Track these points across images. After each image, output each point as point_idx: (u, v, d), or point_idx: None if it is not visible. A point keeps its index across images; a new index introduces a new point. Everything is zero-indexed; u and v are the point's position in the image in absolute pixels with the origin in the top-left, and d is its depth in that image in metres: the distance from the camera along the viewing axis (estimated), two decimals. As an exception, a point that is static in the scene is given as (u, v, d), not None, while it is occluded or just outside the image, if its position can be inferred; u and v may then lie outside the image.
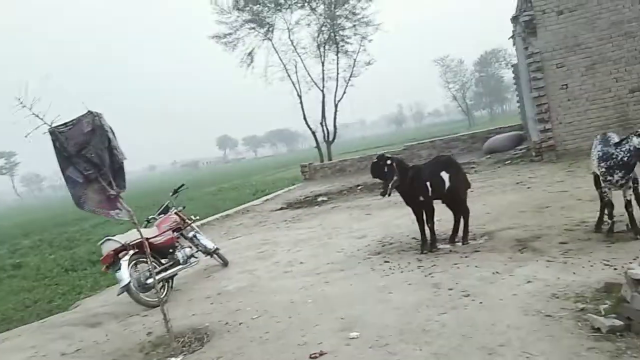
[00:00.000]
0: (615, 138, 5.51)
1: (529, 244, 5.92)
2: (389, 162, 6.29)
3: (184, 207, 7.69)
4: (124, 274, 5.90)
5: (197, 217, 7.78)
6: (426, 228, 6.39)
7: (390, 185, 6.26)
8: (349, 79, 24.58)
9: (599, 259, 4.92)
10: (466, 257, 5.80)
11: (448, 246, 6.46)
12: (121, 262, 5.96)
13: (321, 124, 24.39)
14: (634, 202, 5.43)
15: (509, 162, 13.28)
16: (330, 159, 22.60)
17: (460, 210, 6.59)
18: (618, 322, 3.45)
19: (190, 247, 7.14)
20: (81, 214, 28.40)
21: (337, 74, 24.32)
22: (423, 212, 6.37)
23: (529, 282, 4.66)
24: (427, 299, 4.58)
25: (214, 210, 15.93)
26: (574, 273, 4.69)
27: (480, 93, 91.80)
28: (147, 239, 6.39)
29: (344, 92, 24.55)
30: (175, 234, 7.16)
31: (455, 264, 5.57)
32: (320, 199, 13.41)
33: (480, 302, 4.34)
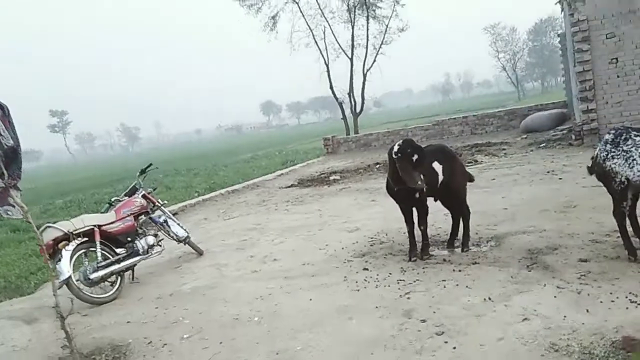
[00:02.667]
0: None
1: (542, 257, 4.81)
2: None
3: (154, 189, 6.93)
4: (64, 266, 5.18)
5: (166, 202, 6.97)
6: (417, 230, 5.34)
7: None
8: (380, 47, 23.03)
9: (625, 291, 3.79)
10: (460, 270, 4.75)
11: (445, 252, 5.42)
12: (62, 252, 5.25)
13: (349, 94, 23.06)
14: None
15: (544, 144, 11.83)
16: (357, 132, 21.37)
17: (458, 209, 5.50)
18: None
19: (155, 235, 6.36)
20: (121, 175, 29.07)
21: (367, 40, 22.83)
22: (412, 211, 5.32)
23: (525, 319, 3.60)
24: (390, 336, 3.59)
25: (242, 179, 15.41)
26: (587, 311, 3.59)
27: (533, 64, 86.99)
28: (99, 226, 5.72)
29: (374, 61, 23.07)
30: (142, 217, 6.41)
31: (443, 280, 4.54)
32: (332, 177, 12.42)
33: (454, 348, 3.33)
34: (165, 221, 6.64)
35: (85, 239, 5.54)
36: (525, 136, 14.02)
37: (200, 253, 6.82)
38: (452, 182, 5.34)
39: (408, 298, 4.23)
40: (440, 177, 5.28)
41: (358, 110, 22.85)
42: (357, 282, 4.78)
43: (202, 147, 66.07)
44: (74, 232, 5.40)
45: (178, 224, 6.80)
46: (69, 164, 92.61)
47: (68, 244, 5.32)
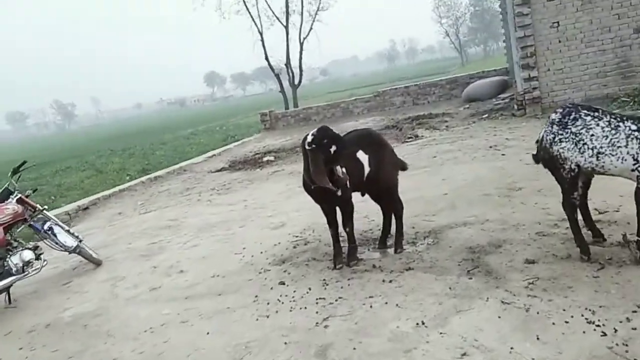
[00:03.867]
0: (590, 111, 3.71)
1: (484, 258, 4.14)
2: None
3: (34, 191, 5.83)
4: None
5: (46, 207, 5.87)
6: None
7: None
8: (316, 13, 21.88)
9: (580, 307, 3.15)
10: (390, 281, 4.01)
11: (377, 255, 4.67)
12: None
13: (286, 65, 21.83)
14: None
15: (486, 115, 11.29)
16: (296, 106, 20.31)
17: (389, 204, 4.75)
18: None
19: (35, 248, 5.29)
20: (50, 158, 26.95)
21: (302, 7, 21.63)
22: (336, 211, 4.51)
23: (464, 355, 2.89)
24: (295, 391, 2.81)
25: (179, 159, 14.44)
26: (537, 338, 2.92)
27: (475, 29, 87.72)
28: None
29: (311, 29, 21.92)
30: (19, 227, 5.33)
31: (370, 297, 3.78)
32: (266, 158, 11.48)
33: (374, 407, 2.59)
34: (50, 228, 5.56)
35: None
36: (467, 106, 13.49)
37: (97, 263, 5.81)
38: (381, 173, 4.55)
39: (325, 327, 3.44)
40: (367, 169, 4.48)
41: (297, 82, 21.69)
42: (269, 303, 3.95)
43: (142, 123, 63.04)
44: None
45: (67, 231, 5.75)
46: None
47: None
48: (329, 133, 4.05)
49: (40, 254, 5.32)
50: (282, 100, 22.53)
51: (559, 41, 9.68)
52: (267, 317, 3.73)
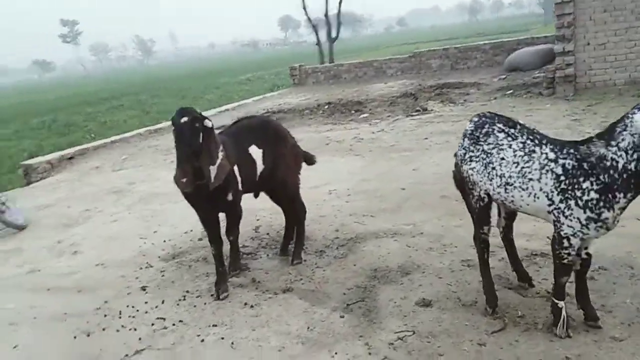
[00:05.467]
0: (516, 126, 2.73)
1: (378, 289, 3.38)
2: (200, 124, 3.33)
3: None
4: None
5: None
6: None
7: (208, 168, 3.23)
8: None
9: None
10: (252, 306, 3.34)
11: (270, 264, 3.98)
12: None
13: (325, 15, 20.48)
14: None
15: (511, 91, 9.88)
16: (332, 61, 19.14)
17: (288, 207, 4.01)
18: None
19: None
20: (113, 93, 27.55)
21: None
22: (218, 220, 3.69)
23: None
24: None
25: (219, 105, 14.24)
26: None
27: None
28: None
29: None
30: None
31: (214, 325, 3.14)
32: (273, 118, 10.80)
33: None
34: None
35: None
36: (504, 76, 11.97)
37: (19, 228, 5.52)
38: (278, 172, 3.80)
39: (129, 363, 2.87)
40: (260, 167, 3.73)
41: (334, 35, 20.34)
42: (106, 315, 3.42)
43: (211, 64, 63.08)
44: None
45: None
46: (78, 77, 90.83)
47: None
48: (191, 111, 3.20)
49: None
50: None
51: (605, 10, 8.08)
52: (88, 335, 3.19)
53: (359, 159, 6.81)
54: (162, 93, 23.90)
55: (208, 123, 3.21)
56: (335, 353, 2.78)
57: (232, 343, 2.96)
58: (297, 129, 9.52)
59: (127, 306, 3.49)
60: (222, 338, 3.01)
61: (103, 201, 6.30)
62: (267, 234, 4.63)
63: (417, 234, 4.20)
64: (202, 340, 3.01)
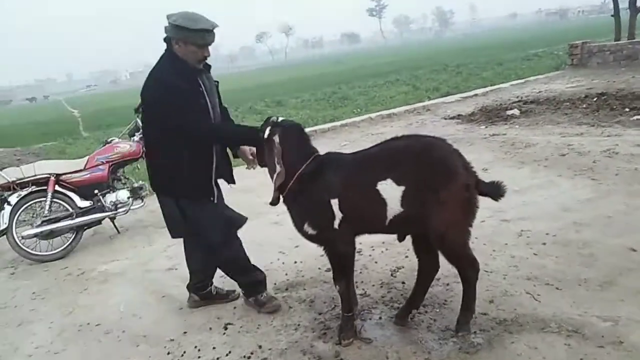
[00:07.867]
0: None
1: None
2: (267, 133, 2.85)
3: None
4: (4, 217, 4.95)
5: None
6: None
7: (275, 182, 2.90)
8: None
9: None
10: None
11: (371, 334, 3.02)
12: (7, 202, 5.00)
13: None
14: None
15: None
16: (632, 37, 14.88)
17: (452, 263, 2.83)
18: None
19: (137, 189, 5.54)
20: (396, 66, 27.48)
21: None
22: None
23: None
24: None
25: (491, 84, 12.86)
26: None
27: None
28: (57, 175, 5.22)
29: None
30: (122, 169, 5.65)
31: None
32: (511, 111, 9.08)
33: None
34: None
35: (41, 187, 5.13)
36: None
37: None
38: (432, 222, 2.58)
39: None
40: (395, 210, 2.64)
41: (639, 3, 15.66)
42: (168, 354, 3.07)
43: (508, 36, 58.23)
44: (19, 182, 5.04)
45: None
46: (379, 48, 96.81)
47: (12, 194, 5.03)
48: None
49: (143, 195, 5.56)
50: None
51: None
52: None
53: (591, 186, 4.92)
54: (440, 67, 22.41)
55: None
56: None
57: None
58: (538, 128, 7.72)
59: (195, 347, 3.09)
60: None
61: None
62: (403, 282, 3.61)
63: (610, 343, 2.62)
64: None
